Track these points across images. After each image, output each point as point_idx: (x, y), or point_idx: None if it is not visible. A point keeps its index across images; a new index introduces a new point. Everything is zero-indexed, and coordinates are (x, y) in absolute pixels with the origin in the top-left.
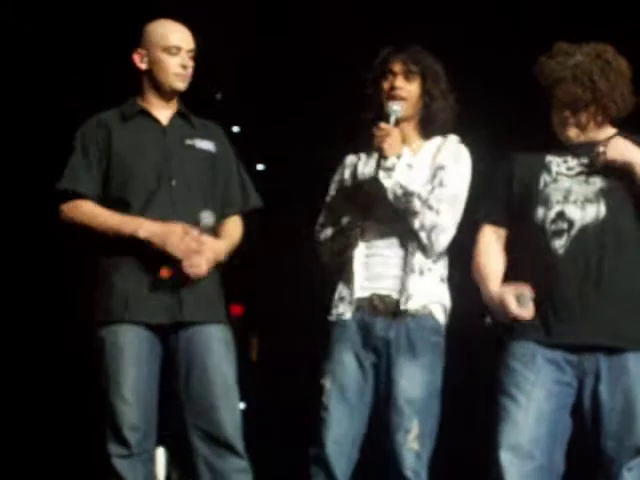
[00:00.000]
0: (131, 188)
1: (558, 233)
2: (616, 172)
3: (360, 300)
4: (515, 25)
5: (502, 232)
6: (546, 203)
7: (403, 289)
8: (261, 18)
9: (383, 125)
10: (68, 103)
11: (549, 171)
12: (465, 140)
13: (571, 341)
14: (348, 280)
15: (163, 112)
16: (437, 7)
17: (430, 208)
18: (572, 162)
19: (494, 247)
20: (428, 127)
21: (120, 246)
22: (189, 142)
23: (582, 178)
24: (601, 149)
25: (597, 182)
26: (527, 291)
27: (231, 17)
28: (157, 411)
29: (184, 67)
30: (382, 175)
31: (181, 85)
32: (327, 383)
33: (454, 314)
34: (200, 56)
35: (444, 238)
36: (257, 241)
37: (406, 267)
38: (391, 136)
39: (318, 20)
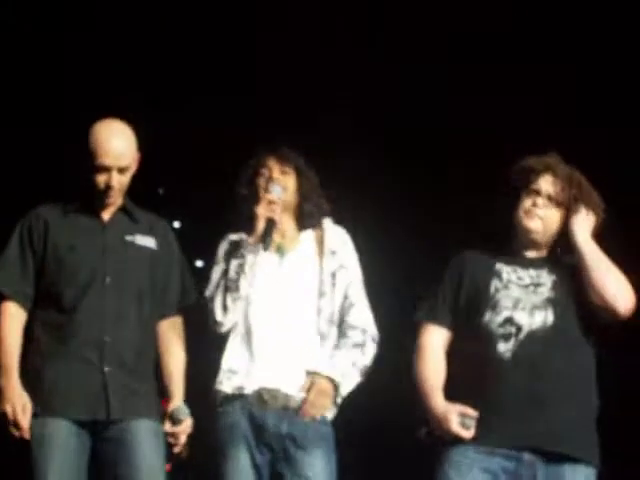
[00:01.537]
0: (64, 283)
1: (505, 337)
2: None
3: (249, 395)
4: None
5: (445, 333)
6: (495, 308)
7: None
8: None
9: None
10: (68, 103)
11: (500, 278)
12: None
13: (509, 444)
14: (240, 357)
15: (106, 207)
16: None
17: (364, 345)
18: (522, 272)
19: (437, 353)
20: (302, 221)
21: (48, 342)
22: (129, 238)
23: (531, 288)
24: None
25: (545, 292)
26: (471, 412)
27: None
28: None
29: (109, 187)
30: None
31: (106, 201)
32: None
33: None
34: (142, 151)
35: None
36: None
37: (311, 359)
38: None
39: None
